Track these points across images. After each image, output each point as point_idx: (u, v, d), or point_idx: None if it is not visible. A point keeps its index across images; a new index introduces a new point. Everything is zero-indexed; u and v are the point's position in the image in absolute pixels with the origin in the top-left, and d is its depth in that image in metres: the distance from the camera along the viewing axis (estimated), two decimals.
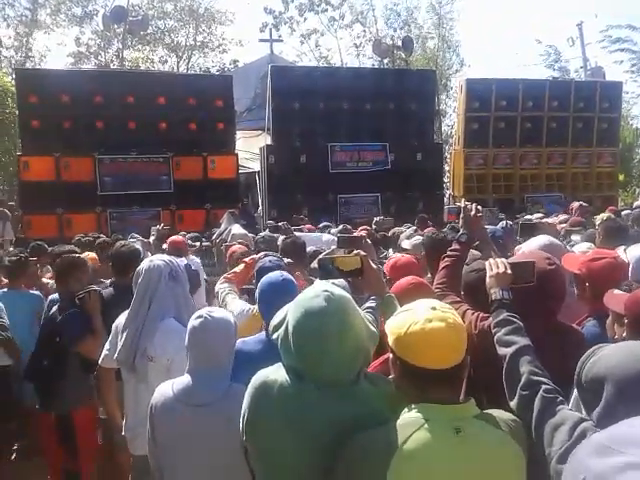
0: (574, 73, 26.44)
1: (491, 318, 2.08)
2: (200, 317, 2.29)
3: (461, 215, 2.93)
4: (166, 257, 3.17)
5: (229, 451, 2.16)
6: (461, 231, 2.84)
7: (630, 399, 1.34)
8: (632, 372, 1.39)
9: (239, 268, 3.64)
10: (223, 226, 7.92)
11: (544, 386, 1.72)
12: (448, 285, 2.58)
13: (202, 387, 2.24)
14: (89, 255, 5.35)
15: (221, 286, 3.46)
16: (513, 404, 1.79)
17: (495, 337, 2.00)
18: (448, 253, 2.73)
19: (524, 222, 4.83)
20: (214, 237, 7.63)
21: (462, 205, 2.99)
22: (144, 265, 3.02)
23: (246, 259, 3.76)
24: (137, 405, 2.91)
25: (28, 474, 4.63)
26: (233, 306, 3.16)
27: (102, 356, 3.16)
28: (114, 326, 3.11)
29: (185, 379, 2.28)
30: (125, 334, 2.92)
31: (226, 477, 2.22)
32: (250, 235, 7.09)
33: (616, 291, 2.40)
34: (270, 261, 3.16)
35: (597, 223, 6.50)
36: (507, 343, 1.92)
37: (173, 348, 2.77)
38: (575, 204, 8.20)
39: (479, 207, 2.94)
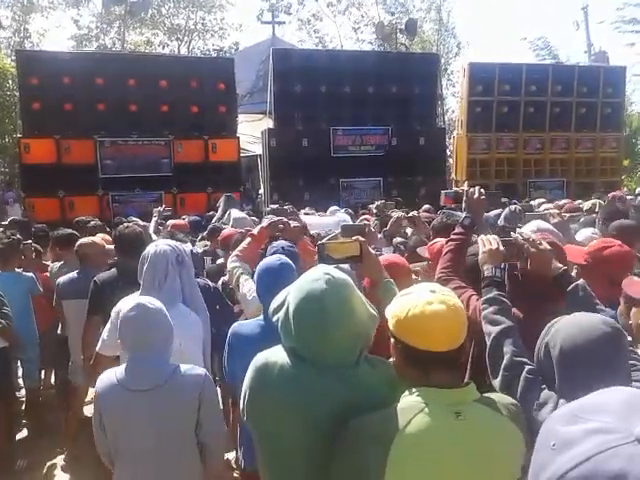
0: (566, 62, 26.28)
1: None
2: (135, 307, 2.34)
3: (464, 198, 2.92)
4: (171, 242, 3.14)
5: (178, 429, 2.28)
6: (464, 214, 2.83)
7: (571, 365, 1.57)
8: (577, 341, 1.59)
9: (246, 242, 3.43)
10: (221, 210, 7.89)
11: (527, 367, 1.80)
12: (453, 270, 2.57)
13: (146, 373, 2.30)
14: (102, 236, 5.36)
15: (233, 265, 3.25)
16: (496, 383, 1.84)
17: (482, 313, 2.03)
18: (452, 237, 2.72)
19: (529, 213, 4.86)
20: (214, 221, 7.61)
21: (465, 189, 2.98)
22: (150, 250, 2.98)
23: (254, 231, 3.55)
24: None
25: (40, 452, 4.70)
26: (245, 288, 3.06)
27: (100, 343, 3.07)
28: (114, 312, 3.02)
29: (127, 366, 2.33)
30: None
31: (173, 460, 2.29)
32: (249, 219, 7.08)
33: (635, 278, 2.39)
34: (283, 247, 3.07)
35: (584, 209, 6.49)
36: (493, 322, 1.99)
37: (184, 332, 2.77)
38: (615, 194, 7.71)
39: (482, 190, 2.94)
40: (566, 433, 0.79)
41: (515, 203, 7.15)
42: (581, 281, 2.17)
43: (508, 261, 2.24)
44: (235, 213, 7.08)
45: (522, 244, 2.26)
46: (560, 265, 2.21)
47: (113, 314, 3.05)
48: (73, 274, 4.55)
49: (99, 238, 4.93)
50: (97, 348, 3.10)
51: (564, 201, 8.13)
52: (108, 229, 6.66)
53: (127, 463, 2.35)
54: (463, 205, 2.93)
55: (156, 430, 2.26)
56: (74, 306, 4.43)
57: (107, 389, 2.31)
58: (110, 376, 2.33)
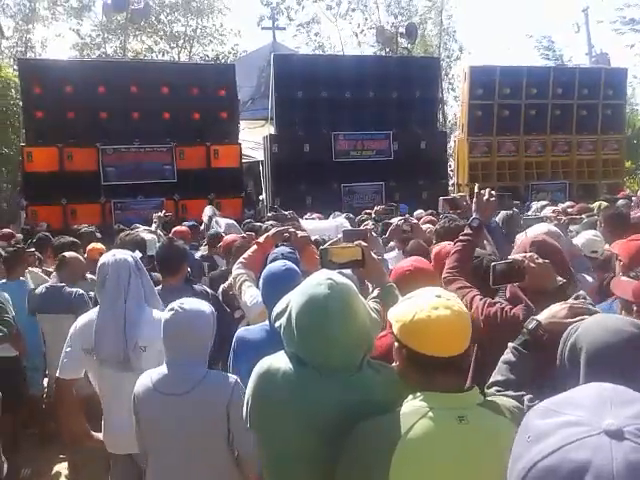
0: (568, 62, 26.27)
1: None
2: (172, 310, 2.33)
3: (474, 200, 2.92)
4: (127, 251, 3.11)
5: (207, 436, 2.27)
6: (473, 216, 2.83)
7: (597, 367, 1.50)
8: (604, 343, 1.53)
9: (252, 250, 3.42)
10: (206, 219, 7.94)
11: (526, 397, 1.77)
12: (459, 270, 2.57)
13: (177, 377, 2.30)
14: (95, 246, 5.35)
15: (238, 272, 3.25)
16: None
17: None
18: (460, 238, 2.72)
19: (526, 218, 4.87)
20: (202, 229, 7.66)
21: (475, 190, 2.97)
22: (109, 260, 2.91)
23: (260, 239, 3.57)
24: (123, 400, 2.65)
25: (44, 461, 4.69)
26: (247, 295, 3.06)
27: (60, 367, 2.88)
28: (73, 331, 2.89)
29: (162, 370, 2.34)
30: (106, 332, 2.80)
31: (204, 461, 2.29)
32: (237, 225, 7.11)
33: (623, 278, 2.39)
34: (282, 253, 3.09)
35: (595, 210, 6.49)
36: (502, 372, 1.92)
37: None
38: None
39: (492, 192, 2.92)
40: (540, 426, 0.84)
41: (516, 206, 7.15)
42: (582, 292, 2.16)
43: (510, 282, 2.28)
44: (223, 220, 7.12)
45: (522, 261, 2.25)
46: (560, 278, 2.20)
47: (71, 332, 2.92)
48: (42, 288, 4.49)
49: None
50: (57, 373, 2.91)
51: (568, 203, 8.13)
52: (99, 236, 6.71)
53: (159, 464, 2.36)
54: (473, 207, 2.91)
55: (186, 435, 2.26)
56: (48, 320, 4.39)
57: (143, 392, 2.32)
58: (146, 379, 2.34)
